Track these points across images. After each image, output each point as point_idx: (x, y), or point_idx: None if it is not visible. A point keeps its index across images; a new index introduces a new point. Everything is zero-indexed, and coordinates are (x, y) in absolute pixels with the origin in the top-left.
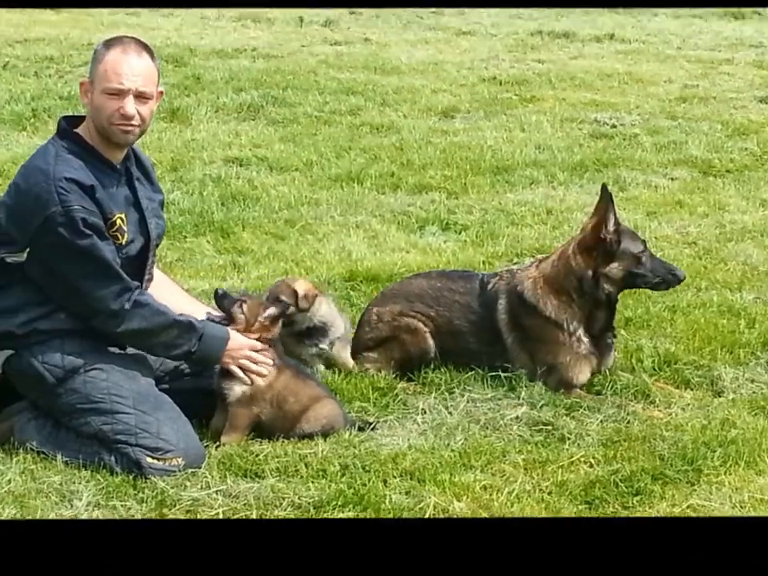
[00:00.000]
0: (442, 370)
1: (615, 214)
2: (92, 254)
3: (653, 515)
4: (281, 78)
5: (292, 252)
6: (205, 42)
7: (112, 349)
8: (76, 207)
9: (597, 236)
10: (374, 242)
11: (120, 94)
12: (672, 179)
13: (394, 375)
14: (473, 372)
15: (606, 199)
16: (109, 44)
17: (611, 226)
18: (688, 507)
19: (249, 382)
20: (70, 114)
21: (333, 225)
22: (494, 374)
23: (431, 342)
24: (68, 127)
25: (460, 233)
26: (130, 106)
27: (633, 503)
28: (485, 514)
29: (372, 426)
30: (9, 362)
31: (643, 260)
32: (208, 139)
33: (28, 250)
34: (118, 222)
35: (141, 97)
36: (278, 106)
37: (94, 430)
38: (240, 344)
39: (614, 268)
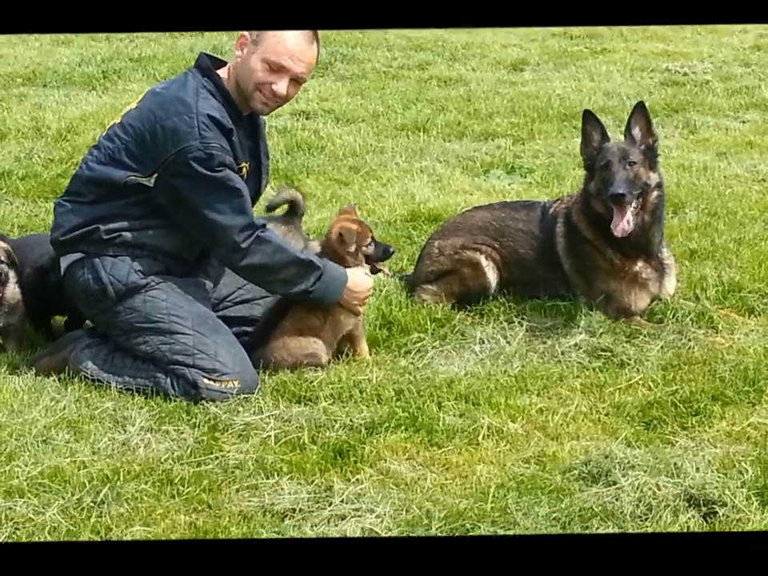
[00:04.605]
0: (501, 300)
1: (601, 134)
2: (224, 186)
3: (712, 434)
4: (350, 36)
5: (355, 196)
6: None
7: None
8: (214, 145)
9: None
10: (438, 186)
11: (279, 71)
12: (743, 122)
13: (451, 307)
14: (531, 302)
15: (585, 120)
16: None
17: (590, 145)
18: (749, 425)
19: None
20: (140, 74)
21: (397, 171)
22: (552, 303)
23: (491, 276)
24: (211, 66)
25: (525, 175)
26: (284, 86)
27: (692, 423)
28: (540, 434)
29: None
30: (72, 270)
31: (605, 176)
32: None
33: (156, 175)
34: (244, 170)
35: (296, 81)
36: (346, 63)
37: (151, 350)
38: (358, 284)
39: (591, 185)
